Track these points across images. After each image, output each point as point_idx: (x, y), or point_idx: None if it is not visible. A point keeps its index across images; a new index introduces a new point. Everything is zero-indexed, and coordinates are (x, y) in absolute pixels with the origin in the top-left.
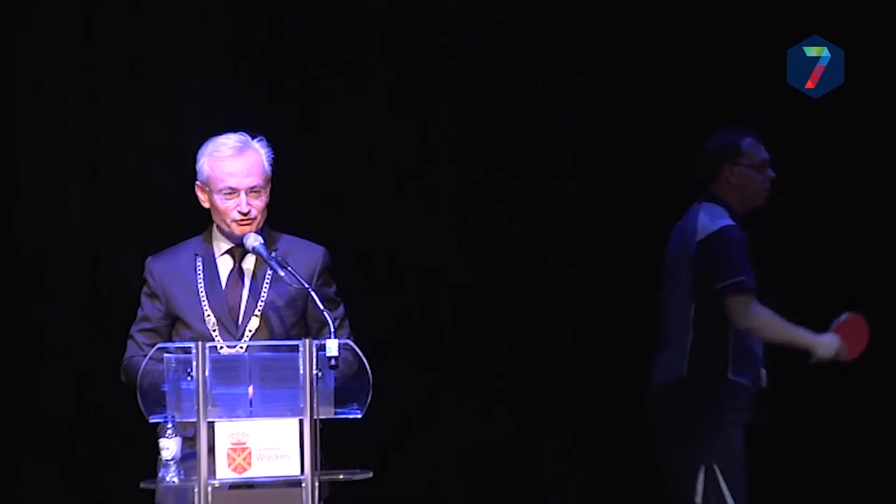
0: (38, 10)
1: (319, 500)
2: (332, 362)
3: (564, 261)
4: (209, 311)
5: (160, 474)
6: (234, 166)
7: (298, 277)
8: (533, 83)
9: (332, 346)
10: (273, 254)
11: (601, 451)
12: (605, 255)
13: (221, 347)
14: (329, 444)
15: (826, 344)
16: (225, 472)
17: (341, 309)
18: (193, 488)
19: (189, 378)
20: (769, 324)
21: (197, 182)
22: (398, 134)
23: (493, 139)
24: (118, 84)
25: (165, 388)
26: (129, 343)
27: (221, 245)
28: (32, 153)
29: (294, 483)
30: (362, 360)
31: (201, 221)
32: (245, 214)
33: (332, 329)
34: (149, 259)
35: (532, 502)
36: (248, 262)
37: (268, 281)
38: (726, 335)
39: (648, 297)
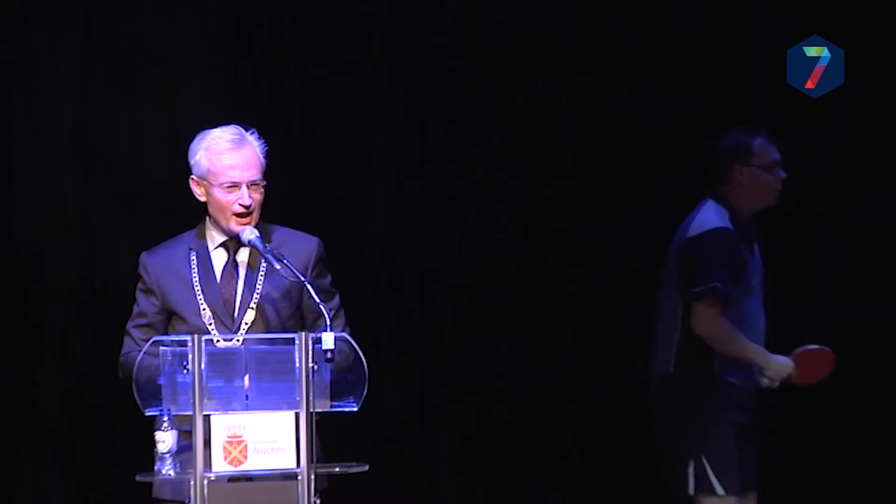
0: (37, 10)
1: (315, 494)
2: (329, 355)
3: (564, 261)
4: (204, 305)
5: (156, 467)
6: (234, 160)
7: (294, 270)
8: (533, 83)
9: (328, 339)
10: (268, 246)
11: (601, 451)
12: (605, 255)
13: (218, 341)
14: (326, 443)
15: (777, 366)
16: (221, 465)
17: (336, 300)
18: (189, 481)
19: (185, 371)
20: (724, 336)
21: (193, 176)
22: (398, 134)
23: (493, 139)
24: (117, 83)
25: (161, 381)
26: (126, 339)
27: (215, 238)
28: (29, 149)
29: (290, 476)
30: (358, 352)
31: (199, 216)
32: (247, 208)
33: (329, 322)
34: (143, 255)
35: (532, 502)
36: (243, 255)
37: (263, 273)
38: None
39: (648, 297)
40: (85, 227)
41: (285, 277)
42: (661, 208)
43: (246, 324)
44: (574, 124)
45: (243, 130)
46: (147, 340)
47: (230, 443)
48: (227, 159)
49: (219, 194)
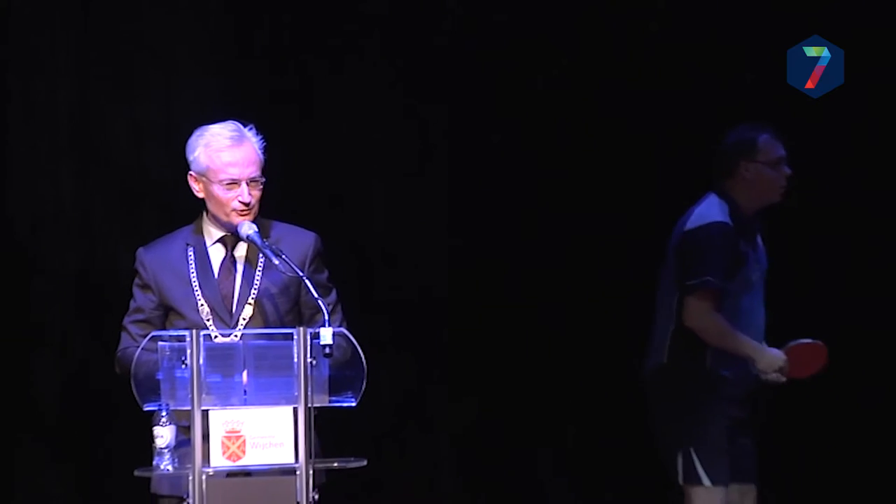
0: (36, 7)
1: (314, 489)
2: (327, 350)
3: (565, 261)
4: (202, 301)
5: (155, 462)
6: (233, 157)
7: (293, 265)
8: (533, 83)
9: (326, 335)
10: (266, 242)
11: (601, 451)
12: (605, 254)
13: (216, 336)
14: (324, 440)
15: (769, 358)
16: (219, 460)
17: (333, 295)
18: (188, 476)
19: (183, 366)
20: (715, 329)
21: (191, 172)
22: (398, 133)
23: (493, 139)
24: (116, 81)
25: (160, 376)
26: (123, 334)
27: (213, 234)
28: (28, 147)
29: (288, 471)
30: (356, 347)
31: (197, 212)
32: (246, 205)
33: (327, 318)
34: (140, 250)
35: (532, 502)
36: (240, 250)
37: (260, 268)
38: None
39: (648, 297)
40: (84, 223)
41: (283, 272)
42: (660, 208)
43: (244, 319)
44: (574, 124)
45: (241, 126)
46: (144, 336)
47: (228, 438)
48: (226, 156)
49: (218, 191)
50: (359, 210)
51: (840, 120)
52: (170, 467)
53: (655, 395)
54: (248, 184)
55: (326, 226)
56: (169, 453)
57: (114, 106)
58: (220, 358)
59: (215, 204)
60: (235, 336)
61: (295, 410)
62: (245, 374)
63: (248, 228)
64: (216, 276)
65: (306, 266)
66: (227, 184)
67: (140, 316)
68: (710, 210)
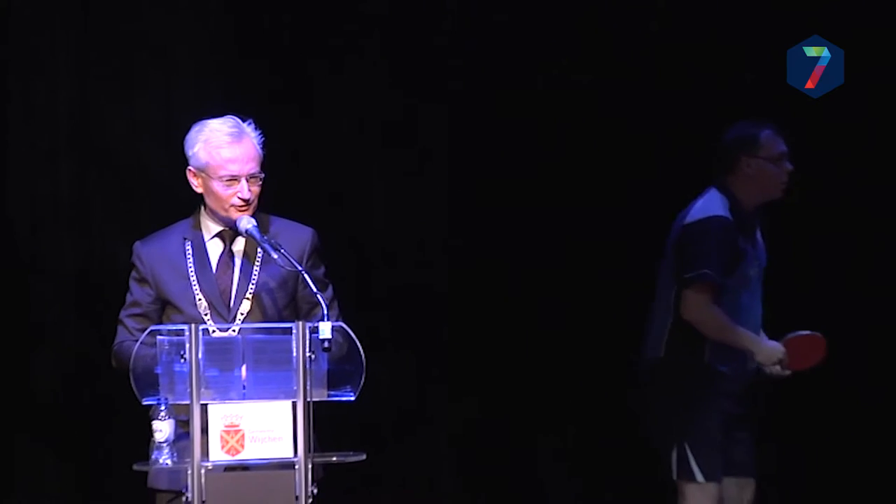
0: (36, 4)
1: (313, 483)
2: (326, 345)
3: (565, 260)
4: (200, 296)
5: (153, 456)
6: (233, 153)
7: (291, 259)
8: (533, 83)
9: (325, 329)
10: (265, 236)
11: (601, 451)
12: (605, 254)
13: (213, 331)
14: (321, 435)
15: (768, 351)
16: (218, 455)
17: (330, 290)
18: (186, 470)
19: (182, 360)
20: (713, 321)
21: (190, 168)
22: (398, 133)
23: (493, 139)
24: (117, 83)
25: (158, 370)
26: (119, 328)
27: (211, 228)
28: (25, 141)
29: (287, 465)
30: (354, 342)
31: (196, 207)
32: (246, 201)
33: (326, 312)
34: (136, 244)
35: (532, 502)
36: (238, 245)
37: (258, 263)
38: None
39: (648, 297)
40: (83, 223)
41: (282, 267)
42: (660, 208)
43: (242, 314)
44: (574, 124)
45: (240, 121)
46: (141, 330)
47: (227, 432)
48: (226, 153)
49: (218, 187)
50: (359, 209)
51: (840, 120)
52: (168, 461)
53: (651, 389)
54: (247, 180)
55: (326, 225)
56: (168, 447)
57: (114, 106)
58: (219, 352)
59: (214, 199)
60: (233, 331)
61: (294, 405)
62: (244, 368)
63: (246, 223)
64: (214, 270)
65: (304, 261)
66: (227, 180)
67: (137, 310)
68: (710, 204)
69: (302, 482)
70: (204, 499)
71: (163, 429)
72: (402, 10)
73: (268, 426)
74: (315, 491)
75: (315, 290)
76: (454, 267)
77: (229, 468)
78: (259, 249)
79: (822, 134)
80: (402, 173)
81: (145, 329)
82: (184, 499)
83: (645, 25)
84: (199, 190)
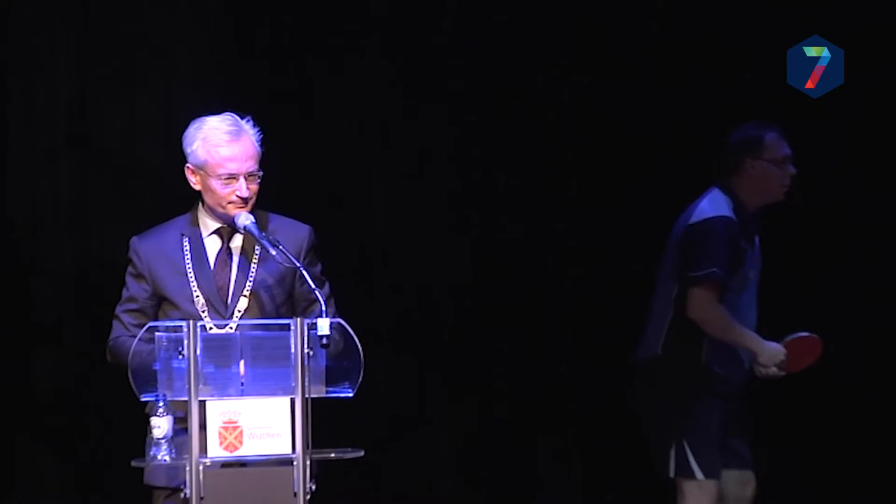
0: (35, 2)
1: (311, 479)
2: (324, 341)
3: (564, 261)
4: (198, 292)
5: (152, 452)
6: (232, 151)
7: (290, 256)
8: (533, 83)
9: (323, 326)
10: (263, 233)
11: (601, 451)
12: (605, 254)
13: (211, 328)
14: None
15: (770, 352)
16: (216, 451)
17: (327, 288)
18: (185, 466)
19: (180, 357)
20: (719, 321)
21: (188, 165)
22: (398, 133)
23: (493, 139)
24: (117, 83)
25: (157, 366)
26: (115, 323)
27: (209, 225)
28: (25, 141)
29: (285, 461)
30: (352, 339)
31: (194, 203)
32: (244, 199)
33: (325, 308)
34: (133, 239)
35: (532, 502)
36: (236, 242)
37: (256, 260)
38: None
39: (648, 297)
40: (83, 223)
41: (281, 263)
42: (660, 208)
43: (239, 311)
44: (574, 124)
45: (239, 119)
46: (137, 325)
47: (226, 428)
48: (224, 151)
49: (216, 185)
50: (358, 209)
51: (840, 120)
52: (167, 458)
53: (648, 386)
54: (245, 178)
55: (326, 225)
56: (166, 444)
57: (114, 106)
58: (217, 349)
59: (212, 197)
60: (231, 328)
61: (292, 401)
62: (242, 364)
63: (245, 219)
64: (212, 267)
65: (301, 258)
66: (226, 179)
67: (133, 305)
68: (715, 204)
69: (300, 478)
70: (202, 495)
71: (161, 425)
72: (402, 10)
73: (266, 422)
74: (313, 487)
75: (314, 287)
76: (454, 267)
77: (225, 464)
78: (257, 246)
79: (822, 134)
80: (402, 174)
81: (141, 324)
82: (182, 495)
83: (645, 25)
84: (197, 187)
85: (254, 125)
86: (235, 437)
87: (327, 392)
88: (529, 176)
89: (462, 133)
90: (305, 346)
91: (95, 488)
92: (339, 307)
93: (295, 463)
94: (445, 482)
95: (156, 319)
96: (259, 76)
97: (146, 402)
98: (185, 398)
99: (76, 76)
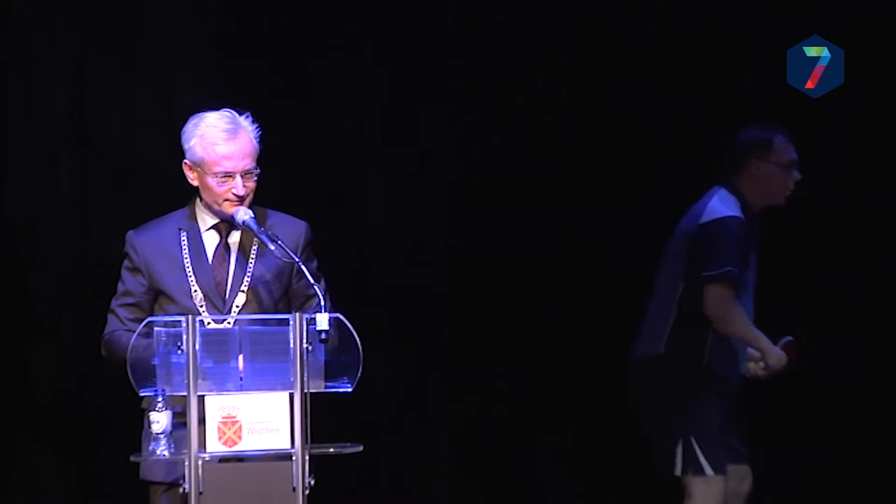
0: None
1: (310, 474)
2: (323, 336)
3: (565, 260)
4: (196, 287)
5: (151, 447)
6: (228, 150)
7: (289, 251)
8: (533, 83)
9: (322, 320)
10: (262, 228)
11: (601, 451)
12: (605, 254)
13: (209, 323)
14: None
15: (776, 356)
16: (215, 446)
17: (323, 283)
18: (184, 461)
19: (179, 352)
20: (736, 319)
21: (186, 161)
22: (398, 133)
23: (493, 139)
24: (116, 83)
25: (155, 361)
26: (110, 317)
27: (207, 220)
28: (25, 141)
29: (285, 456)
30: (351, 334)
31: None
32: (240, 197)
33: (324, 303)
34: (130, 233)
35: (532, 502)
36: (234, 237)
37: (254, 255)
38: (708, 321)
39: (648, 298)
40: (83, 222)
41: (279, 258)
42: (660, 208)
43: (237, 306)
44: (574, 124)
45: (237, 115)
46: (132, 319)
47: (225, 423)
48: (221, 149)
49: (212, 183)
50: (358, 209)
51: (840, 120)
52: (166, 453)
53: (649, 385)
54: (242, 176)
55: (326, 225)
56: (165, 438)
57: (113, 106)
58: (216, 343)
59: (209, 194)
60: (229, 323)
61: (291, 396)
62: (241, 359)
63: (243, 214)
64: (210, 262)
65: (298, 253)
66: (222, 176)
67: (129, 300)
68: (725, 204)
69: (299, 473)
70: (201, 490)
71: (160, 420)
72: (402, 10)
73: (265, 417)
74: (312, 482)
75: (313, 281)
76: (454, 267)
77: (223, 459)
78: (255, 242)
79: (822, 134)
80: (401, 173)
81: (137, 318)
82: (181, 490)
83: (645, 25)
84: (195, 183)
85: (252, 121)
86: (234, 432)
87: (326, 387)
88: (529, 176)
89: (462, 133)
90: (304, 340)
91: (95, 488)
92: (338, 305)
93: (294, 458)
94: (445, 482)
95: (151, 314)
96: (259, 76)
97: (143, 397)
98: (184, 393)
99: (76, 76)
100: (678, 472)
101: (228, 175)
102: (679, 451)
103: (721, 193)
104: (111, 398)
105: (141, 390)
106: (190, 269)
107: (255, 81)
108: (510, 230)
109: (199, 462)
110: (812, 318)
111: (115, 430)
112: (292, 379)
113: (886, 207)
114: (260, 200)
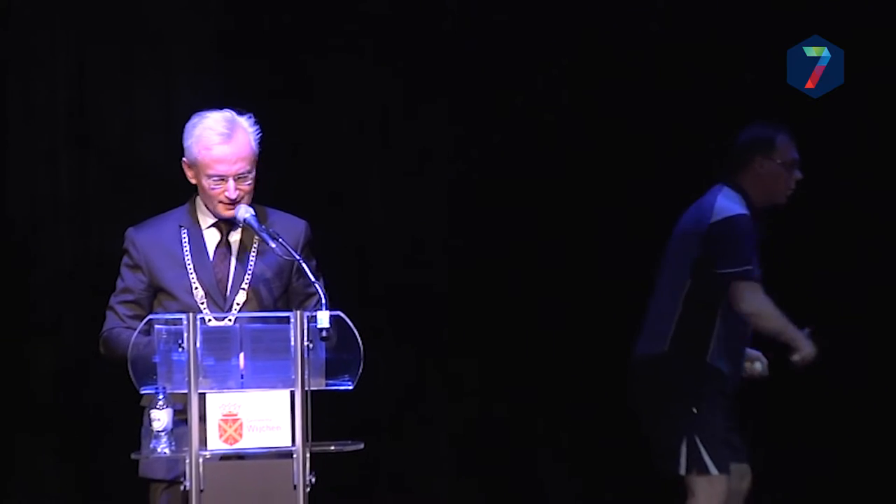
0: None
1: (311, 472)
2: (324, 334)
3: (564, 260)
4: (197, 284)
5: (151, 445)
6: (222, 153)
7: (289, 249)
8: (533, 83)
9: (323, 318)
10: (263, 226)
11: (601, 451)
12: (605, 254)
13: (209, 320)
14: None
15: (808, 350)
16: (216, 443)
17: (322, 282)
18: (184, 459)
19: (180, 349)
20: (770, 312)
21: (184, 159)
22: (398, 133)
23: (493, 139)
24: (116, 82)
25: (156, 359)
26: (109, 314)
27: (207, 217)
28: (25, 140)
29: (285, 454)
30: (352, 331)
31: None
32: (232, 200)
33: (325, 301)
34: (130, 230)
35: (532, 502)
36: (235, 235)
37: (254, 253)
38: (713, 319)
39: (648, 298)
40: (83, 222)
41: (280, 256)
42: (660, 208)
43: (238, 304)
44: (574, 124)
45: (237, 117)
46: (132, 317)
47: (225, 421)
48: (216, 152)
49: (206, 184)
50: (358, 209)
51: (840, 120)
52: (167, 450)
53: (652, 384)
54: (235, 179)
55: (326, 225)
56: (166, 436)
57: (113, 105)
58: (217, 341)
59: (204, 194)
60: (230, 320)
61: (292, 394)
62: (242, 357)
63: (244, 212)
64: (211, 259)
65: (298, 252)
66: (215, 179)
67: (128, 297)
68: (732, 202)
69: (300, 471)
70: (202, 488)
71: (161, 418)
72: (402, 10)
73: (266, 415)
74: (313, 479)
75: (314, 280)
76: (454, 267)
77: (224, 457)
78: (255, 240)
79: (822, 134)
80: (401, 173)
81: (136, 315)
82: (182, 488)
83: (645, 25)
84: (193, 181)
85: (254, 122)
86: (235, 430)
87: (327, 385)
88: (529, 176)
89: (462, 133)
90: (305, 338)
91: (95, 488)
92: (337, 305)
93: (294, 456)
94: (445, 482)
95: (151, 311)
96: (259, 76)
97: (143, 395)
98: (185, 391)
99: (76, 76)
100: (682, 471)
101: (221, 178)
102: (683, 450)
103: (725, 191)
104: (111, 398)
105: (142, 388)
106: (191, 265)
107: (255, 81)
108: (510, 230)
109: (200, 460)
110: (812, 317)
111: (115, 429)
112: (293, 377)
113: (886, 207)
114: (260, 200)
